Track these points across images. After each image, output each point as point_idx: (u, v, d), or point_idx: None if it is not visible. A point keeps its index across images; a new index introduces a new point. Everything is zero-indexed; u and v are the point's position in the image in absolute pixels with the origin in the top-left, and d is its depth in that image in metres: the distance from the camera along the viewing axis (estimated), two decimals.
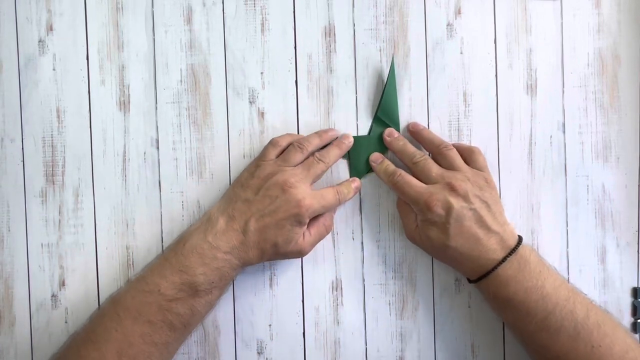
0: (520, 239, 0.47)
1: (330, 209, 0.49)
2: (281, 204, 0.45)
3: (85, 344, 0.44)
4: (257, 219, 0.46)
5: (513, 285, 0.45)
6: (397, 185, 0.48)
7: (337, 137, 0.51)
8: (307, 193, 0.46)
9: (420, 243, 0.49)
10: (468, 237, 0.45)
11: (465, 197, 0.45)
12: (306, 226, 0.47)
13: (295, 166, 0.48)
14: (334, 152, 0.50)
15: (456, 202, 0.45)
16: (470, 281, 0.48)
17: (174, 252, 0.46)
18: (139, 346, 0.43)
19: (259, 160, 0.49)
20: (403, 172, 0.49)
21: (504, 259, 0.45)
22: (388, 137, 0.51)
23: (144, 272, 0.47)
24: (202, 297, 0.45)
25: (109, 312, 0.45)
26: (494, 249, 0.45)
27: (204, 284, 0.44)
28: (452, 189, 0.46)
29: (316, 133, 0.51)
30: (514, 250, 0.45)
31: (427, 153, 0.51)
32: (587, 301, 0.46)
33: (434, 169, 0.48)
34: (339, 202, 0.49)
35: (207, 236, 0.45)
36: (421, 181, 0.48)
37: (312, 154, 0.49)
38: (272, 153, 0.49)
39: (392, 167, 0.50)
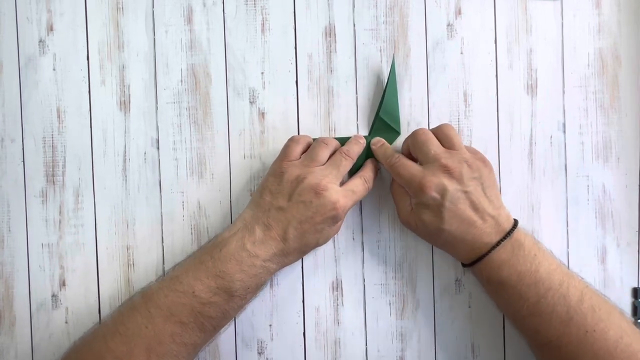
0: (515, 222, 0.46)
1: (361, 198, 0.49)
2: (317, 209, 0.45)
3: (113, 336, 0.44)
4: (295, 226, 0.45)
5: (506, 269, 0.44)
6: (394, 167, 0.48)
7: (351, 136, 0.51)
8: (340, 194, 0.46)
9: (414, 227, 0.48)
10: (462, 220, 0.45)
11: (460, 180, 0.45)
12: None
13: (322, 165, 0.47)
14: (356, 148, 0.49)
15: (450, 185, 0.44)
16: (464, 265, 0.48)
17: (209, 256, 0.45)
18: (168, 345, 0.43)
19: (283, 162, 0.47)
20: (401, 155, 0.48)
21: (497, 243, 0.45)
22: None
23: (177, 271, 0.46)
24: (235, 301, 0.45)
25: (140, 308, 0.44)
26: (489, 233, 0.45)
27: (240, 289, 0.44)
28: (447, 171, 0.45)
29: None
30: (508, 234, 0.45)
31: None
32: (583, 285, 0.45)
33: (433, 147, 0.46)
34: (368, 190, 0.49)
35: (245, 244, 0.45)
36: (420, 162, 0.47)
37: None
38: (296, 151, 0.48)
39: (390, 149, 0.49)
